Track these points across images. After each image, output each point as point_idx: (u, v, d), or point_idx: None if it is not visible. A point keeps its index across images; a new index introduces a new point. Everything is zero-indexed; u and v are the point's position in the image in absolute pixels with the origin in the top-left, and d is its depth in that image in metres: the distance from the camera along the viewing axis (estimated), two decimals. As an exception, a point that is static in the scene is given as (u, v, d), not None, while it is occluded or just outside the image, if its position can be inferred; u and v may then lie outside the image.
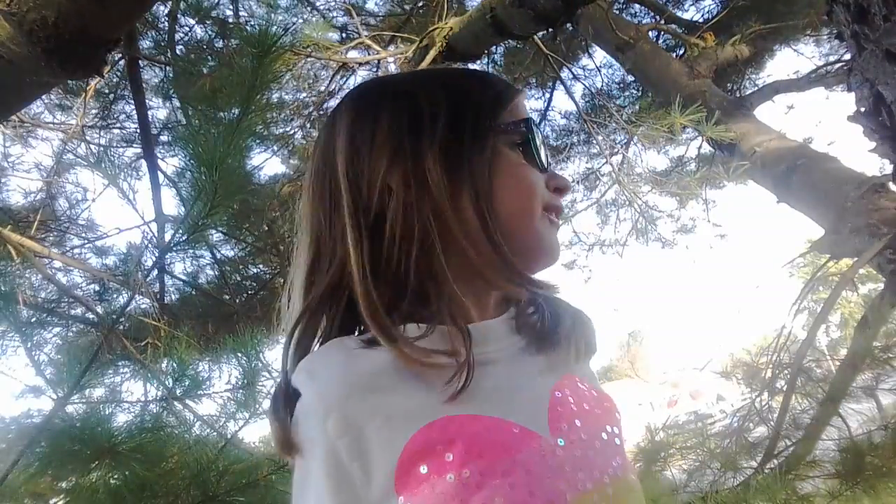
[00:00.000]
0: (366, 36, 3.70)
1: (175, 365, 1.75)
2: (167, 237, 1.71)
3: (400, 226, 0.58)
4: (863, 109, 0.92)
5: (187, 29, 3.58)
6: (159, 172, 2.41)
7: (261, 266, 3.89)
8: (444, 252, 0.57)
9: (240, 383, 1.75)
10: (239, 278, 3.77)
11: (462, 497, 0.48)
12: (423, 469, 0.49)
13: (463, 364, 0.53)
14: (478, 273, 0.59)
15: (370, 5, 4.90)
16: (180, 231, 1.42)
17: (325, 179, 0.63)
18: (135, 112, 2.87)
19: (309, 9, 4.24)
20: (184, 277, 3.22)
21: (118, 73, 3.36)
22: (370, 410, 0.51)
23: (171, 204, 3.82)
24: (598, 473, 0.54)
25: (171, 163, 3.12)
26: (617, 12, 4.87)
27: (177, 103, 3.33)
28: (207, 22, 3.50)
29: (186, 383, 1.73)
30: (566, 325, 0.64)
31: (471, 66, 3.32)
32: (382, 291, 0.56)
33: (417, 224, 0.57)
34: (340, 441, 0.50)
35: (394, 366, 0.53)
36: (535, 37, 3.52)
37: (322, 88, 4.28)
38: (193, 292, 3.24)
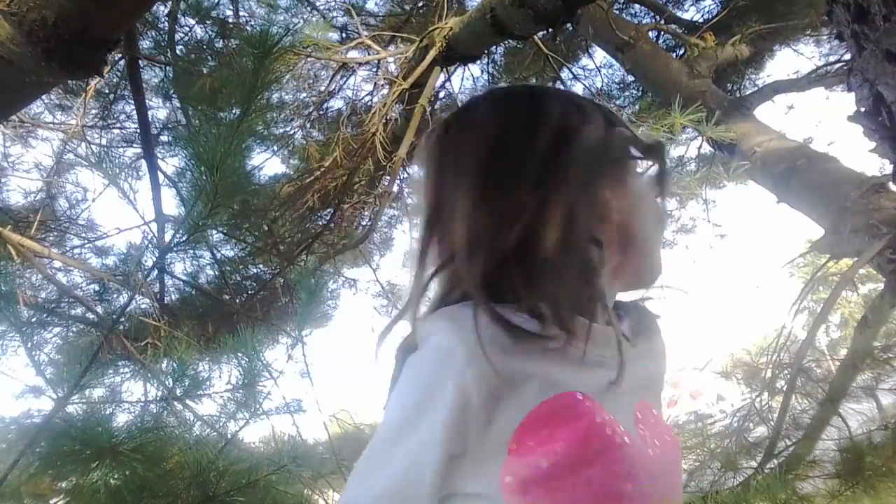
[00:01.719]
0: (366, 36, 3.69)
1: (175, 365, 1.75)
2: (167, 237, 1.71)
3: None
4: (863, 109, 0.92)
5: (187, 29, 3.57)
6: (159, 172, 2.41)
7: (261, 266, 3.88)
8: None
9: (240, 383, 1.75)
10: (239, 278, 3.76)
11: (575, 468, 0.50)
12: (545, 433, 0.51)
13: (615, 361, 0.56)
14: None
15: (370, 5, 4.89)
16: (180, 231, 1.42)
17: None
18: (135, 112, 2.87)
19: (309, 9, 4.24)
20: (184, 277, 3.22)
21: (118, 73, 3.36)
22: (508, 368, 0.53)
23: (171, 204, 3.83)
24: (671, 483, 0.59)
25: (171, 163, 3.14)
26: (617, 12, 4.86)
27: (177, 103, 3.33)
28: (207, 22, 3.49)
29: (186, 383, 1.73)
30: (659, 344, 0.70)
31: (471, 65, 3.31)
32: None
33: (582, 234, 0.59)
34: (477, 391, 0.51)
35: (533, 336, 0.55)
36: (535, 37, 3.52)
37: (322, 88, 4.27)
38: (193, 292, 3.24)
